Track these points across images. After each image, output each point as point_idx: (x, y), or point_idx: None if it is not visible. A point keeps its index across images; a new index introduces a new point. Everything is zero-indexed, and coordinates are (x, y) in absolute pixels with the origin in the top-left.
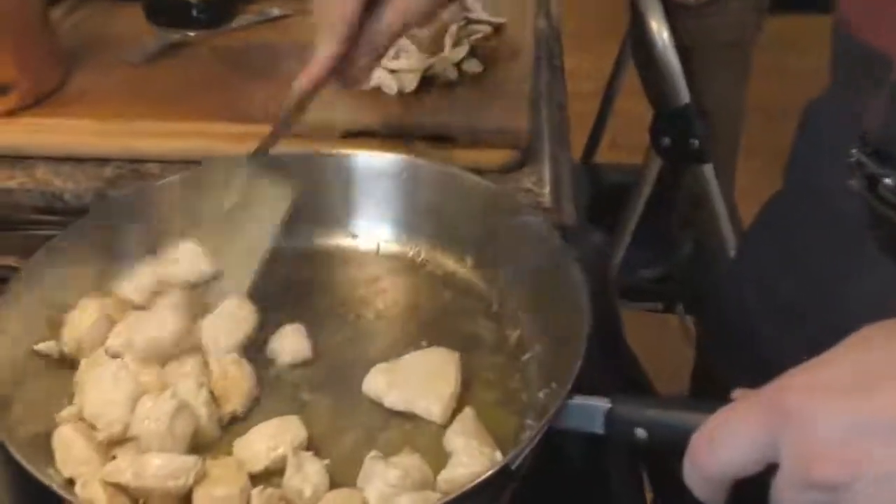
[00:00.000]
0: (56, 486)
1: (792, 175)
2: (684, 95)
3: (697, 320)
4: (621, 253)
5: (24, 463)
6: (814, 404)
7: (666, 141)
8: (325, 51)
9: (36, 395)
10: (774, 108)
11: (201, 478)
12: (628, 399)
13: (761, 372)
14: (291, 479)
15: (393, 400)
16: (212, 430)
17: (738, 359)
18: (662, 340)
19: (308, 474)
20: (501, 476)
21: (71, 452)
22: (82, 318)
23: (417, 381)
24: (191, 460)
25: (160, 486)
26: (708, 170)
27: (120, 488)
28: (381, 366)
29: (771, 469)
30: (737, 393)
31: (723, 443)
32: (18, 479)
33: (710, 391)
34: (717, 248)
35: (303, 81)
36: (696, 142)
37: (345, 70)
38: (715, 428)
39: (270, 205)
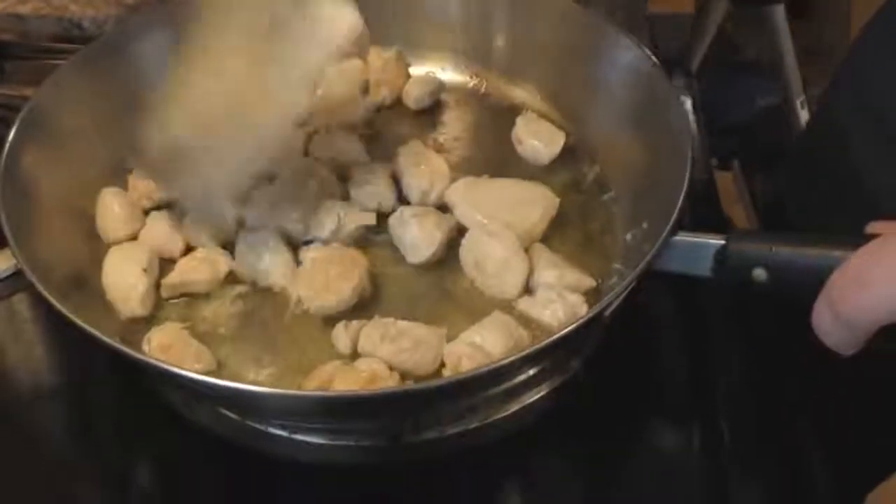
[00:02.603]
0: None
1: None
2: None
3: (762, 178)
4: None
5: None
6: None
7: None
8: None
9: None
10: None
11: None
12: (747, 234)
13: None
14: None
15: (463, 213)
16: None
17: (830, 203)
18: None
19: None
20: (592, 322)
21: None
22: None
23: (498, 206)
24: None
25: None
26: (779, 11)
27: None
28: (467, 179)
29: None
30: (874, 226)
31: (876, 280)
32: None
33: None
34: (785, 97)
35: None
36: None
37: None
38: (865, 264)
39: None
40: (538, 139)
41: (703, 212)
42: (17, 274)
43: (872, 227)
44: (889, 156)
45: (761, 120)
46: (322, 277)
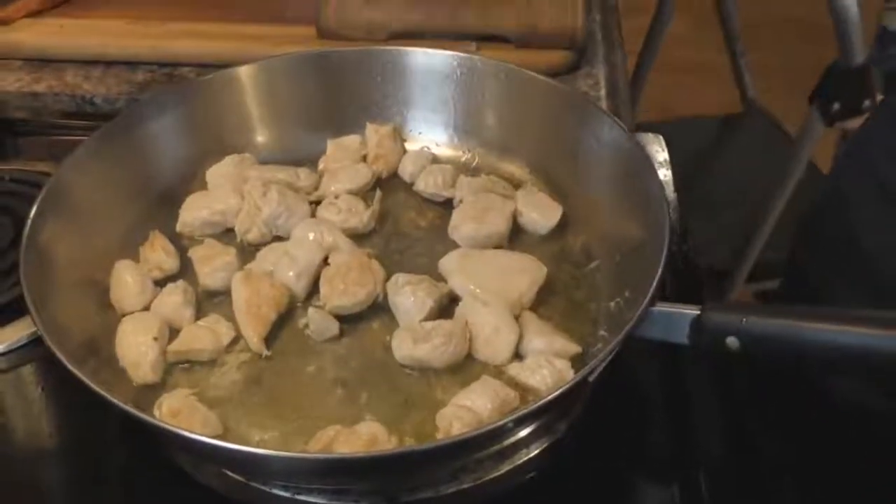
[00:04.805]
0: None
1: None
2: (860, 51)
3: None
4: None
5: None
6: None
7: (835, 106)
8: None
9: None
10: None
11: None
12: (720, 306)
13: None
14: None
15: (457, 283)
16: None
17: (832, 263)
18: None
19: None
20: (577, 388)
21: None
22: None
23: (489, 275)
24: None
25: None
26: None
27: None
28: (461, 250)
29: None
30: None
31: None
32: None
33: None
34: None
35: None
36: (869, 102)
37: None
38: None
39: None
40: (537, 212)
41: (683, 279)
42: (26, 345)
43: None
44: (888, 217)
45: None
46: (340, 281)
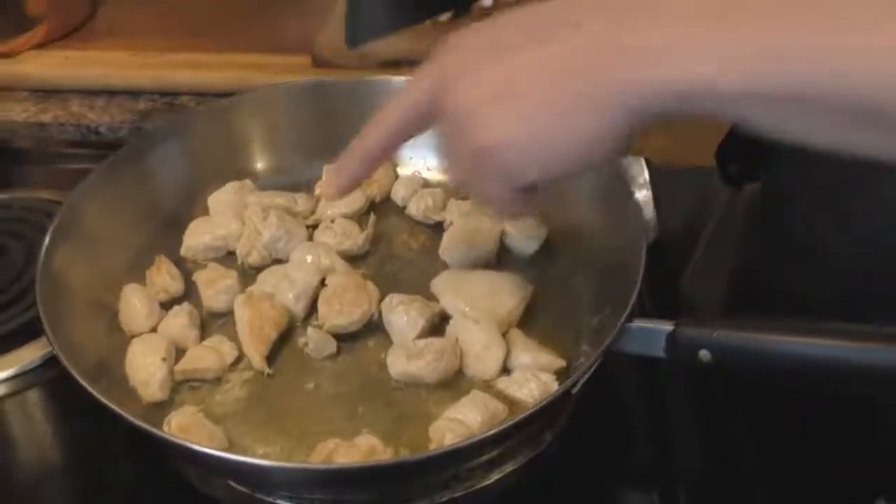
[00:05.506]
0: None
1: None
2: None
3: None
4: None
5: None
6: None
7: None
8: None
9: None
10: None
11: None
12: (692, 321)
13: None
14: None
15: (447, 302)
16: None
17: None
18: None
19: None
20: (561, 400)
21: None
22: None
23: (478, 294)
24: None
25: None
26: None
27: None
28: (451, 271)
29: None
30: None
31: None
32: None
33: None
34: None
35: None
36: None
37: None
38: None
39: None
40: (523, 233)
41: (665, 293)
42: (34, 370)
43: None
44: (820, 208)
45: None
46: (337, 302)
